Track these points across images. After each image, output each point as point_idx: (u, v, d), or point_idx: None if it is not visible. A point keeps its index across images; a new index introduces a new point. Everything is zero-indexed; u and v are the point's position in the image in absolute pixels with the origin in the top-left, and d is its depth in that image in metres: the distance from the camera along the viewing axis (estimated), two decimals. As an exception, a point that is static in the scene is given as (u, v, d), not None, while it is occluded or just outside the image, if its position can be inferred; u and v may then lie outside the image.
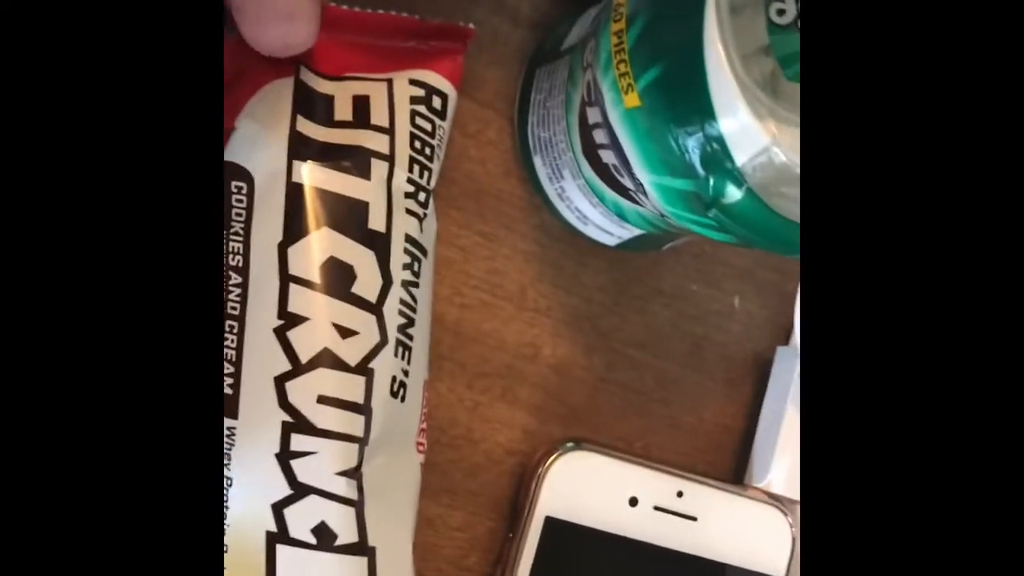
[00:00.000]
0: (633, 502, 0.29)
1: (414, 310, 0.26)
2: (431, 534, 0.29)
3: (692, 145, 0.21)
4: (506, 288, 0.30)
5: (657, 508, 0.29)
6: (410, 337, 0.26)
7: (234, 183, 0.24)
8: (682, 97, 0.21)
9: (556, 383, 0.31)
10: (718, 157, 0.21)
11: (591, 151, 0.25)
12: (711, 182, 0.21)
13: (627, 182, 0.24)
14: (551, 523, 0.28)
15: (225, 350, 0.24)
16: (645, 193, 0.23)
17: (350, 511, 0.24)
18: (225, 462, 0.23)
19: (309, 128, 0.25)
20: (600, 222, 0.28)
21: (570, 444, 0.28)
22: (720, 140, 0.20)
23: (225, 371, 0.24)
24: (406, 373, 0.25)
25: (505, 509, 0.30)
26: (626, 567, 0.29)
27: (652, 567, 0.29)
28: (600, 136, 0.24)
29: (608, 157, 0.24)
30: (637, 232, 0.28)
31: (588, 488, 0.28)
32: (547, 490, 0.28)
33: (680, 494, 0.29)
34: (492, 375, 0.30)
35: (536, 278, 0.30)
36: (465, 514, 0.29)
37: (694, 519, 0.29)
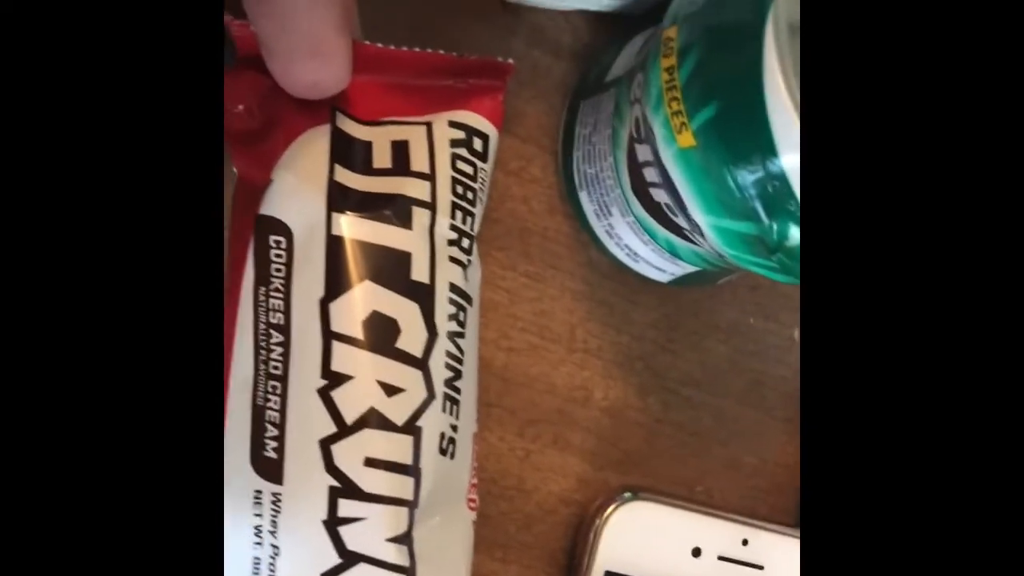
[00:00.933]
0: (696, 552, 0.27)
1: (461, 362, 0.25)
2: (485, 590, 0.28)
3: (752, 185, 0.20)
4: (554, 329, 0.29)
5: (722, 558, 0.28)
6: (457, 390, 0.24)
7: (272, 237, 0.24)
8: (741, 134, 0.19)
9: (610, 427, 0.29)
10: (780, 197, 0.19)
11: (642, 189, 0.24)
12: (774, 226, 0.20)
13: (682, 222, 0.23)
14: (611, 578, 0.27)
15: (268, 412, 0.23)
16: (702, 234, 0.22)
17: (402, 579, 0.22)
18: (271, 530, 0.23)
19: (347, 177, 0.24)
20: (652, 259, 0.27)
21: (628, 494, 0.27)
22: (782, 178, 0.19)
23: (269, 434, 0.23)
24: (455, 428, 0.24)
25: (561, 561, 0.28)
26: (691, 621, 0.27)
27: (718, 620, 0.27)
28: (651, 175, 0.23)
29: (660, 196, 0.23)
30: (691, 269, 0.27)
31: (649, 540, 0.27)
32: (606, 543, 0.27)
33: (745, 542, 0.28)
34: (543, 421, 0.29)
35: (585, 318, 0.29)
36: (520, 568, 0.28)
37: (760, 568, 0.28)
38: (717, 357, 0.31)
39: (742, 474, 0.31)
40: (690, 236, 0.23)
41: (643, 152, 0.23)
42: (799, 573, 0.28)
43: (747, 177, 0.20)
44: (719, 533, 0.28)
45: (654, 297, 0.30)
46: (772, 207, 0.19)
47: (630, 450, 0.29)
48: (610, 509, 0.27)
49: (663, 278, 0.28)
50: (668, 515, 0.27)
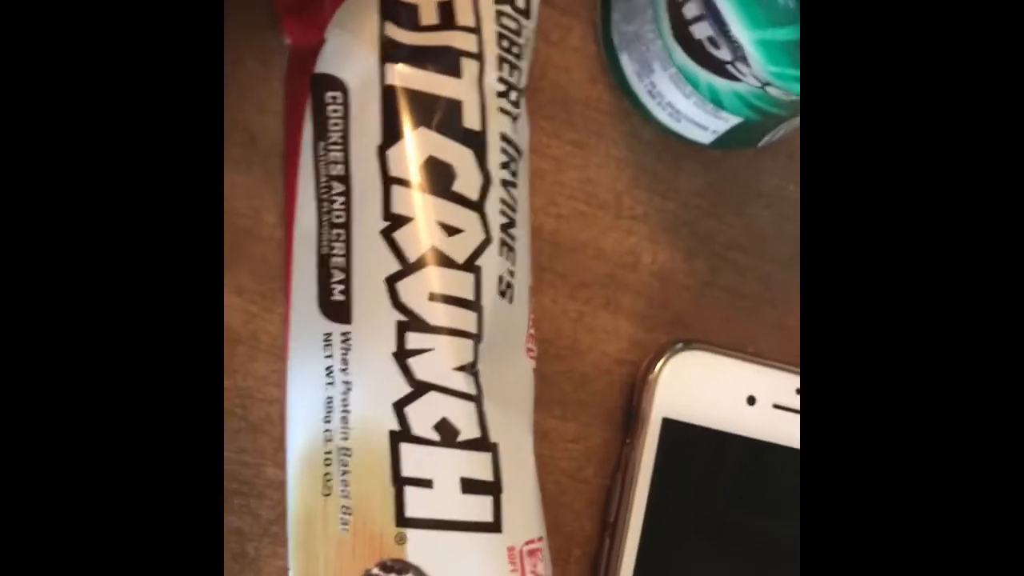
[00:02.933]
0: (751, 401, 0.28)
1: (514, 211, 0.25)
2: (546, 447, 0.28)
3: (794, -8, 0.20)
4: (601, 196, 0.30)
5: (776, 406, 0.28)
6: (513, 238, 0.25)
7: (328, 94, 0.24)
8: (780, -58, 0.20)
9: (659, 290, 0.30)
10: None
11: (682, 30, 0.25)
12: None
13: (724, 53, 0.24)
14: (669, 425, 0.27)
15: (334, 258, 0.24)
16: (745, 59, 0.23)
17: (470, 406, 0.23)
18: (343, 367, 0.24)
19: (397, 33, 0.25)
20: (694, 115, 0.28)
21: (680, 345, 0.28)
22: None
23: (336, 279, 0.24)
24: (511, 274, 0.25)
25: (618, 419, 0.29)
26: (747, 466, 0.28)
27: (773, 466, 0.28)
28: (692, 10, 0.24)
29: (702, 31, 0.24)
30: (733, 122, 0.27)
31: (704, 388, 0.28)
32: (662, 391, 0.27)
33: (799, 391, 0.28)
34: (594, 285, 0.29)
35: (631, 184, 0.30)
36: (578, 425, 0.29)
37: (815, 417, 0.28)
38: (761, 222, 0.31)
39: (791, 335, 0.31)
40: (732, 70, 0.24)
41: (683, -11, 0.24)
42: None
43: (788, -18, 0.20)
44: (773, 382, 0.28)
45: (697, 164, 0.30)
46: None
47: (680, 312, 0.30)
48: (665, 358, 0.27)
49: (705, 138, 0.29)
50: (722, 364, 0.28)
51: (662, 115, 0.28)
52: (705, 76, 0.25)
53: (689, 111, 0.28)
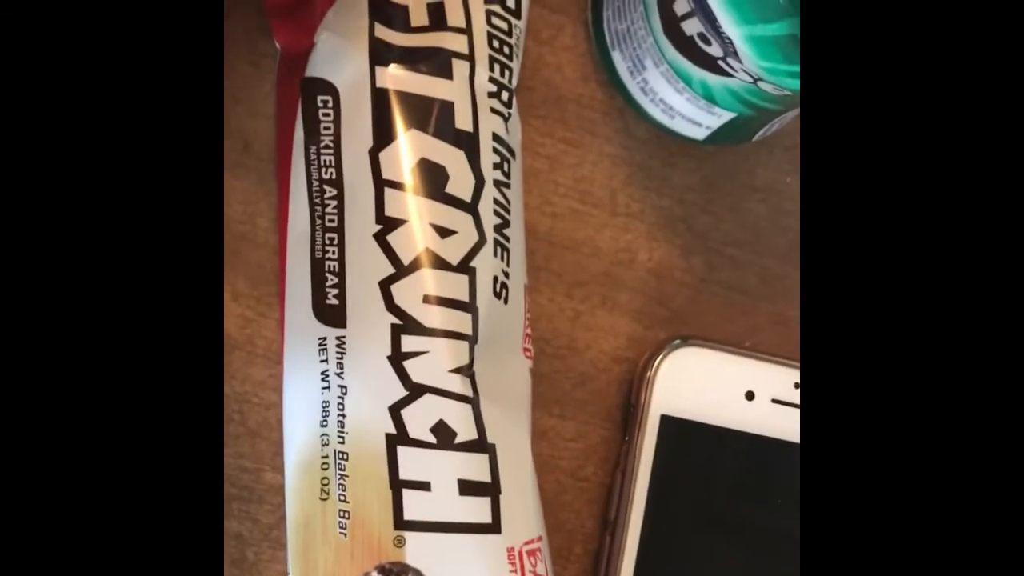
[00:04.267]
0: (750, 396, 0.28)
1: (508, 211, 0.25)
2: (546, 446, 0.28)
3: (783, -13, 0.20)
4: (595, 194, 0.30)
5: (775, 401, 0.28)
6: (507, 239, 0.25)
7: (319, 98, 0.24)
8: (768, -63, 0.20)
9: (656, 287, 0.30)
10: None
11: (673, 27, 0.25)
12: (808, 21, 0.20)
13: (715, 49, 0.23)
14: (667, 421, 0.27)
15: (328, 262, 0.24)
16: (736, 55, 0.23)
17: (467, 408, 0.23)
18: (338, 372, 0.24)
19: (388, 35, 0.24)
20: (687, 112, 0.28)
21: (677, 341, 0.28)
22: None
23: (330, 283, 0.24)
24: (506, 275, 0.25)
25: (617, 417, 0.29)
26: (747, 462, 0.28)
27: (773, 460, 0.28)
28: (682, 6, 0.24)
29: (692, 27, 0.24)
30: (727, 117, 0.27)
31: (702, 384, 0.28)
32: (660, 388, 0.27)
33: (797, 385, 0.28)
34: (590, 283, 0.29)
35: (625, 182, 0.30)
36: (578, 424, 0.29)
37: (814, 411, 0.28)
38: (757, 217, 0.31)
39: (789, 329, 0.31)
40: (724, 66, 0.24)
41: (672, -14, 0.24)
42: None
43: (777, -23, 0.20)
44: (771, 376, 0.28)
45: (691, 160, 0.30)
46: None
47: (678, 309, 0.30)
48: (662, 355, 0.27)
49: (699, 134, 0.29)
50: (719, 360, 0.28)
51: (655, 112, 0.28)
52: (697, 72, 0.25)
53: (682, 107, 0.27)
